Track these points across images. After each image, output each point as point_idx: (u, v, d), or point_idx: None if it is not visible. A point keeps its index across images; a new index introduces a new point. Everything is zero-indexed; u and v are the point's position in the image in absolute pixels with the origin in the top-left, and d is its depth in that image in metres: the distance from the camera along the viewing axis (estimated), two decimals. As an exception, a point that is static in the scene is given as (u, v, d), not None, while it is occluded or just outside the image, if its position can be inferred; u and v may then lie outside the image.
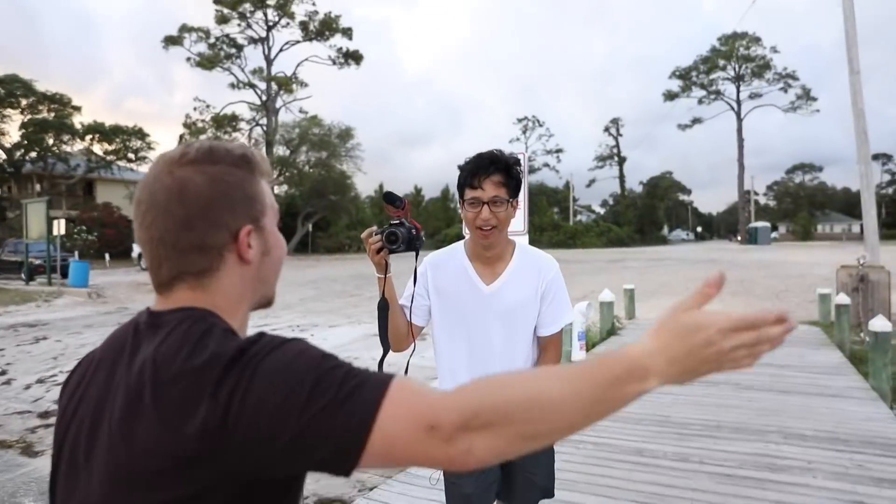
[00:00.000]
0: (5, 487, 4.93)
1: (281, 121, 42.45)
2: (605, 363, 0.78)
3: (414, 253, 2.03)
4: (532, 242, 4.34)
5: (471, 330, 2.15)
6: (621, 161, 77.16)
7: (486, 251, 2.12)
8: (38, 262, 21.88)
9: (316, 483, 4.69)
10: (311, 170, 41.73)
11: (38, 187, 39.02)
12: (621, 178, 77.43)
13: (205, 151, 0.91)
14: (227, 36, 40.73)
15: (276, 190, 42.74)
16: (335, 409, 0.72)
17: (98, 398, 0.85)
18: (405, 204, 1.99)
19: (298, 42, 42.73)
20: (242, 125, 42.12)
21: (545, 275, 2.16)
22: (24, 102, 37.95)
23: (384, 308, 2.05)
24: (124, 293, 19.00)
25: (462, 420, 0.72)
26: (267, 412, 0.72)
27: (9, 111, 37.93)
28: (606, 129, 77.54)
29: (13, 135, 38.38)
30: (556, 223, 54.99)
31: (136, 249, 28.77)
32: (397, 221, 1.96)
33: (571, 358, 7.71)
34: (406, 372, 2.09)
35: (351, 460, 0.73)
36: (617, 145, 77.39)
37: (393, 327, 2.08)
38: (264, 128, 42.68)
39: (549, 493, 2.32)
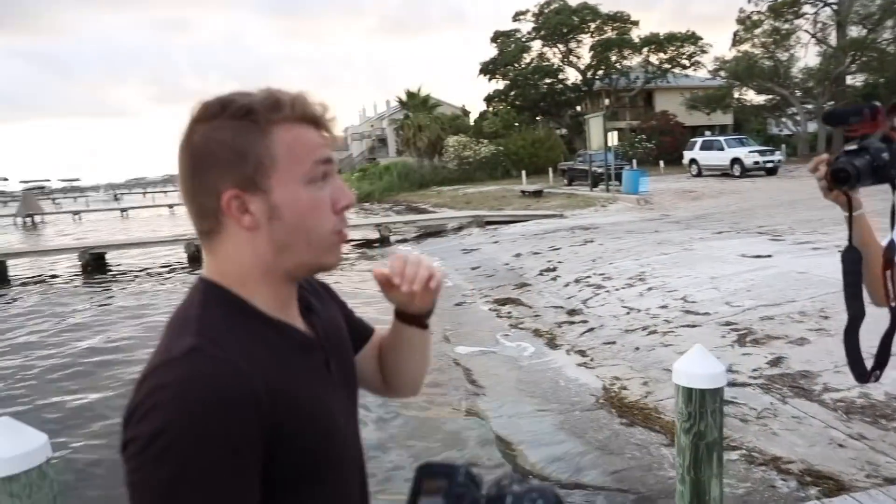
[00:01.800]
0: (544, 373, 5.76)
1: (858, -6, 35.38)
2: None
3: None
4: None
5: None
6: None
7: None
8: (598, 170, 24.66)
9: (811, 452, 3.88)
10: (896, 50, 33.88)
11: (605, 102, 43.50)
12: None
13: (205, 106, 0.83)
14: None
15: (850, 80, 36.58)
16: None
17: None
18: (869, 114, 1.36)
19: None
20: (806, 9, 36.77)
21: None
22: (591, 26, 42.35)
23: (851, 260, 1.50)
24: (669, 200, 19.69)
25: None
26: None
27: (581, 36, 43.03)
28: None
29: (585, 57, 43.59)
30: None
31: (688, 156, 29.25)
32: (854, 147, 1.38)
33: None
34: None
35: None
36: None
37: (872, 280, 1.53)
38: (834, 7, 36.38)
39: None
